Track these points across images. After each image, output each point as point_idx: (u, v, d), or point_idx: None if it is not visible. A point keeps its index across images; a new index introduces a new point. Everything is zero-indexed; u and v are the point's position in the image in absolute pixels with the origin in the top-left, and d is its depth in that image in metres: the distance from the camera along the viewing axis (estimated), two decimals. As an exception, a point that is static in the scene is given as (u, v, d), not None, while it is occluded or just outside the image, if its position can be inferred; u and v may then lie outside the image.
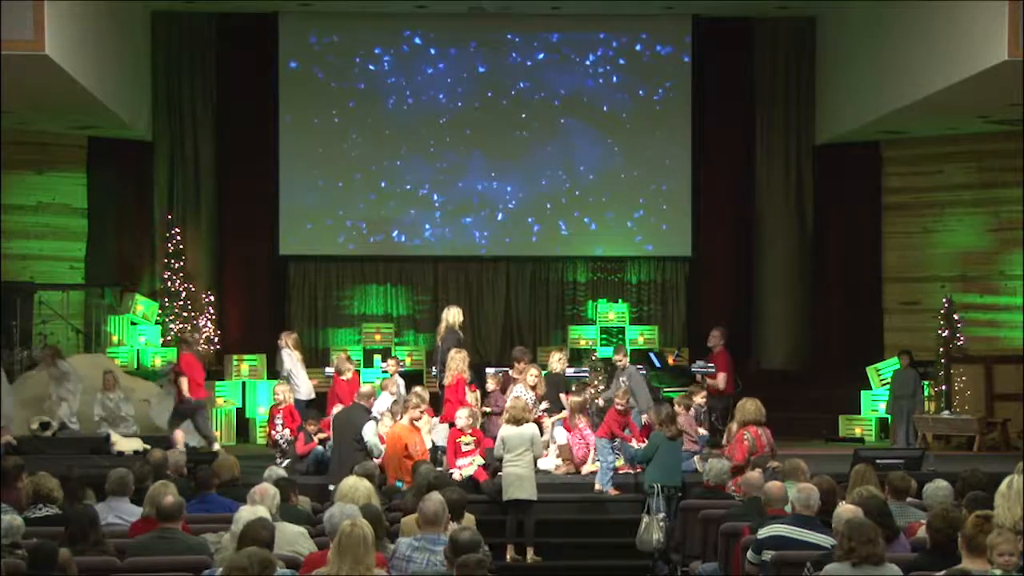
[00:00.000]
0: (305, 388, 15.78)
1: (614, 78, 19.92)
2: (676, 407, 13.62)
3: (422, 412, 13.01)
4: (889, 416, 17.39)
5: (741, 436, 11.90)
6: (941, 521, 7.28)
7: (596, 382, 16.08)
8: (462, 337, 15.07)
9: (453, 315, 15.03)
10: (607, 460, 13.21)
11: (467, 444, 12.92)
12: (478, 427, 13.24)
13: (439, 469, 12.30)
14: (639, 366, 16.16)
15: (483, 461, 12.89)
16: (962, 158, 18.97)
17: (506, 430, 12.54)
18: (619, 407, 13.42)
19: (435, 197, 19.85)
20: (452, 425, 13.27)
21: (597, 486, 13.25)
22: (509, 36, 19.87)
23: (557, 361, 15.04)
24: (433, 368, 15.27)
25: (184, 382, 14.96)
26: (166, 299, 19.00)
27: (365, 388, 14.04)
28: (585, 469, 13.71)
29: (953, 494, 8.85)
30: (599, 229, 19.97)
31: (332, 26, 19.76)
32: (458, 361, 13.92)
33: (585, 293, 20.10)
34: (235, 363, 18.10)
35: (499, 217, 19.92)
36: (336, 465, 12.86)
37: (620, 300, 19.80)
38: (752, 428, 11.89)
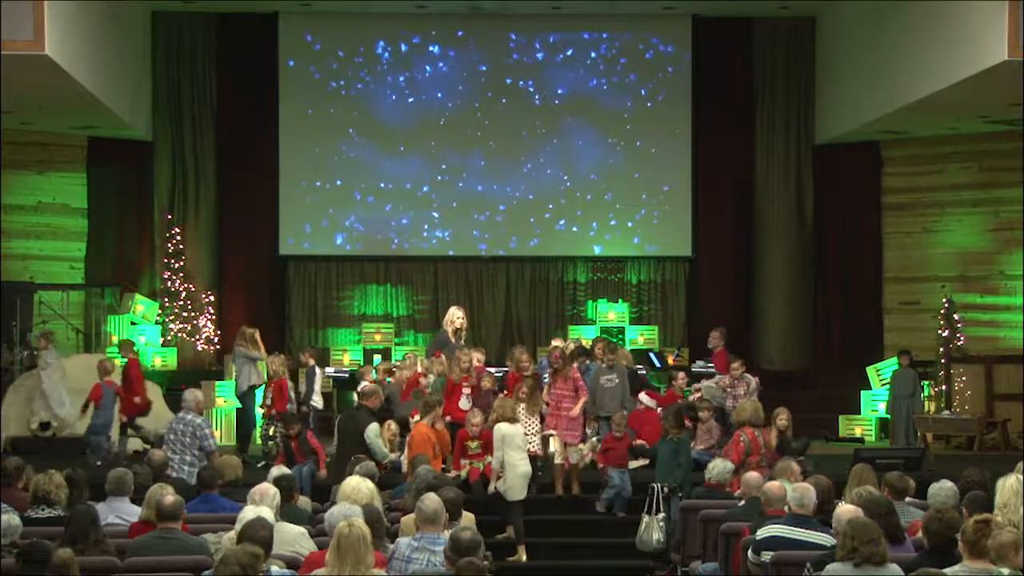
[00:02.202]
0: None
1: (614, 78, 19.91)
2: (702, 412, 13.83)
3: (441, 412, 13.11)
4: (889, 416, 17.39)
5: (737, 437, 11.92)
6: (936, 524, 7.23)
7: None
8: (446, 339, 15.13)
9: (448, 317, 15.31)
10: (617, 486, 13.02)
11: (474, 448, 12.90)
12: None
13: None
14: (639, 366, 16.14)
15: (490, 460, 12.80)
16: (962, 158, 18.97)
17: (505, 428, 12.36)
18: (616, 432, 13.10)
19: (435, 197, 19.85)
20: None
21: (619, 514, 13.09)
22: (509, 36, 19.88)
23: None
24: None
25: None
26: (166, 299, 19.04)
27: (368, 388, 14.03)
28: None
29: (957, 494, 8.83)
30: (599, 229, 19.97)
31: (332, 26, 19.75)
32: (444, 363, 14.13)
33: (585, 293, 20.09)
34: (235, 363, 18.08)
35: (499, 217, 19.92)
36: (339, 466, 12.87)
37: (620, 300, 19.80)
38: (748, 430, 11.90)
